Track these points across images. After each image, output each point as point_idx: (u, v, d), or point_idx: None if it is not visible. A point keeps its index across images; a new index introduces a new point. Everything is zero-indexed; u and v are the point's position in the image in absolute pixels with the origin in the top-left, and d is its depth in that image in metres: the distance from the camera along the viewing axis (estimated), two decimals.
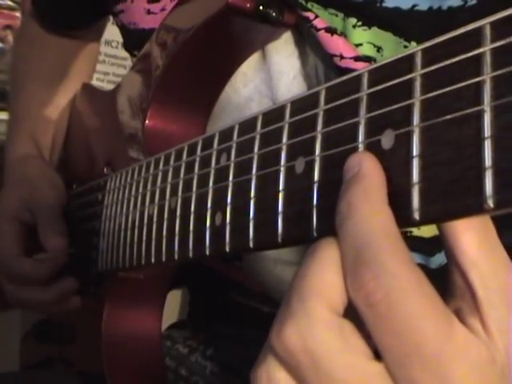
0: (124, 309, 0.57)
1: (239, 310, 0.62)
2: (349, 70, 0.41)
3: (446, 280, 0.25)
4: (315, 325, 0.23)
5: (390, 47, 0.40)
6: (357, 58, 0.40)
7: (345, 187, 0.25)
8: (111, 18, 0.72)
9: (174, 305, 0.72)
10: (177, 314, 0.75)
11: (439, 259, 0.43)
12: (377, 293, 0.23)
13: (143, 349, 0.56)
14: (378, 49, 0.40)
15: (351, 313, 0.24)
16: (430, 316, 0.22)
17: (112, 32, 0.66)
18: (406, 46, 0.39)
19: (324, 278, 0.24)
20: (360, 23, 0.40)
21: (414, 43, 0.39)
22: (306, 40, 0.47)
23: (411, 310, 0.22)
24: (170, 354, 0.64)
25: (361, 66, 0.40)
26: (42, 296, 0.62)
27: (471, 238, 0.24)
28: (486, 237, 0.24)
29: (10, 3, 1.38)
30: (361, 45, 0.40)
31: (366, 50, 0.40)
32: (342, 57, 0.41)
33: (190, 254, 0.40)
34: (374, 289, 0.23)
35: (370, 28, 0.40)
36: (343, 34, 0.41)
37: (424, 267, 0.44)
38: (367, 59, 0.41)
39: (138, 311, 0.57)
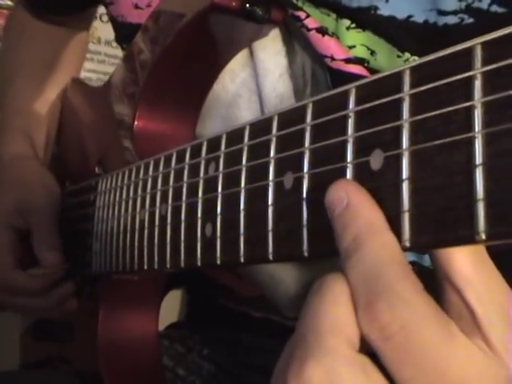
0: (119, 311, 0.56)
1: (230, 315, 0.62)
2: (339, 72, 0.40)
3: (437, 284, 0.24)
4: (339, 362, 0.23)
5: (383, 53, 0.38)
6: (348, 60, 0.39)
7: (342, 223, 0.24)
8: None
9: (173, 305, 0.72)
10: (176, 314, 0.74)
11: None
12: (393, 324, 0.22)
13: (140, 352, 0.56)
14: (372, 52, 0.39)
15: (363, 346, 0.24)
16: (449, 343, 0.22)
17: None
18: (399, 56, 0.37)
19: (339, 315, 0.24)
20: (354, 25, 0.39)
21: (407, 54, 0.37)
22: (295, 38, 0.45)
23: (431, 339, 0.22)
24: (167, 353, 0.64)
25: (352, 69, 0.39)
26: (38, 304, 0.61)
27: (464, 256, 0.23)
28: (478, 254, 0.23)
29: (9, 3, 1.36)
30: (354, 47, 0.39)
31: (360, 52, 0.39)
32: (332, 58, 0.40)
33: (182, 264, 0.40)
34: (390, 320, 0.22)
35: (364, 31, 0.38)
36: (335, 35, 0.40)
37: (417, 264, 0.43)
38: (359, 61, 0.39)
39: (133, 313, 0.56)
